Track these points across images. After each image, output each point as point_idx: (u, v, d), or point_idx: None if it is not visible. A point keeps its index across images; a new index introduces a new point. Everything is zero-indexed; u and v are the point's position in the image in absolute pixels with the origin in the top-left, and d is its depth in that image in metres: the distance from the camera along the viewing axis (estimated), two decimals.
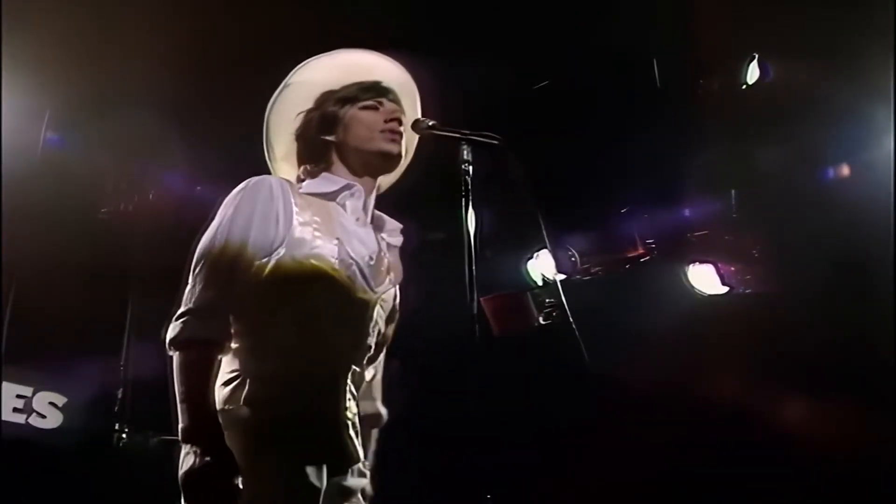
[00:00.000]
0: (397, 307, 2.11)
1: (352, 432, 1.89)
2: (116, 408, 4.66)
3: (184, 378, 1.73)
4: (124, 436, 4.60)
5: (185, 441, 1.70)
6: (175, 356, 1.75)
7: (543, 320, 4.91)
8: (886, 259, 3.86)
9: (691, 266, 4.77)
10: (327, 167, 2.05)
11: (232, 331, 1.84)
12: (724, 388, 4.26)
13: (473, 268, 1.89)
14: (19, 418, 4.28)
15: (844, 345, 4.17)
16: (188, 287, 1.81)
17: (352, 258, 1.92)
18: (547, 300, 4.91)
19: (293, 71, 2.12)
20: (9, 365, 4.31)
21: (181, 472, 1.68)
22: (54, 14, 3.83)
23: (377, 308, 1.97)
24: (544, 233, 2.10)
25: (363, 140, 2.03)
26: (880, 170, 4.04)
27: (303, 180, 2.05)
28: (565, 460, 4.52)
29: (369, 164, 2.05)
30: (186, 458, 1.68)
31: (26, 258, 4.25)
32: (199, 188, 5.00)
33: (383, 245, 2.04)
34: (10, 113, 4.20)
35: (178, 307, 1.80)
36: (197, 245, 1.87)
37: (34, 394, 4.35)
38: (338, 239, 1.92)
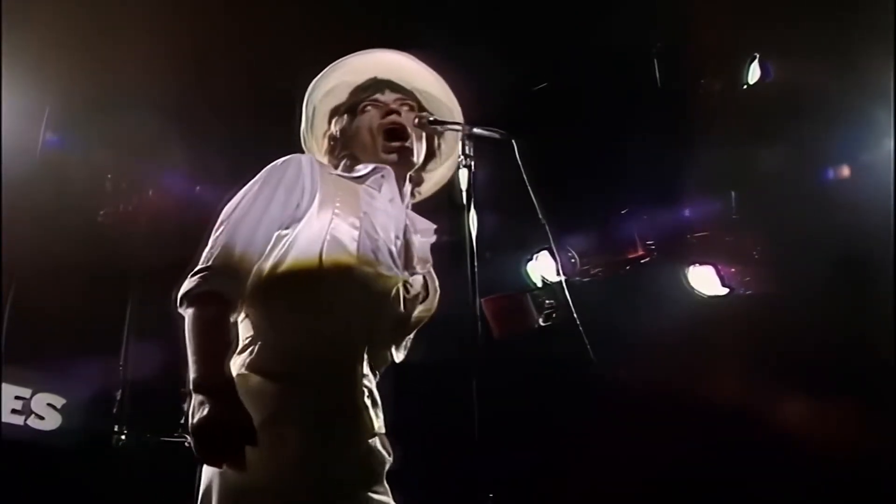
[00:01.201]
0: (431, 295, 2.05)
1: (367, 401, 1.86)
2: (115, 409, 4.64)
3: (197, 331, 1.69)
4: (123, 437, 4.59)
5: (196, 391, 1.63)
6: (188, 312, 1.71)
7: (543, 322, 4.90)
8: (886, 259, 3.85)
9: (691, 267, 4.76)
10: (358, 163, 2.08)
11: (247, 297, 1.82)
12: (724, 388, 4.25)
13: (475, 267, 1.87)
14: (18, 420, 4.26)
15: (844, 345, 4.16)
16: (207, 248, 1.80)
17: (377, 235, 1.91)
18: (547, 301, 4.90)
19: (307, 96, 2.18)
20: (8, 365, 4.29)
21: (192, 421, 1.61)
22: (54, 14, 3.83)
23: (400, 288, 1.93)
24: (547, 230, 2.09)
25: (368, 143, 2.07)
26: (880, 170, 4.03)
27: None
28: (565, 460, 4.52)
29: (385, 160, 2.06)
30: (197, 408, 1.62)
31: (26, 258, 4.24)
32: (198, 188, 5.00)
33: (414, 235, 2.04)
34: (10, 113, 4.20)
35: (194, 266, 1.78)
36: (207, 236, 1.85)
37: (33, 395, 4.33)
38: (364, 213, 1.92)
